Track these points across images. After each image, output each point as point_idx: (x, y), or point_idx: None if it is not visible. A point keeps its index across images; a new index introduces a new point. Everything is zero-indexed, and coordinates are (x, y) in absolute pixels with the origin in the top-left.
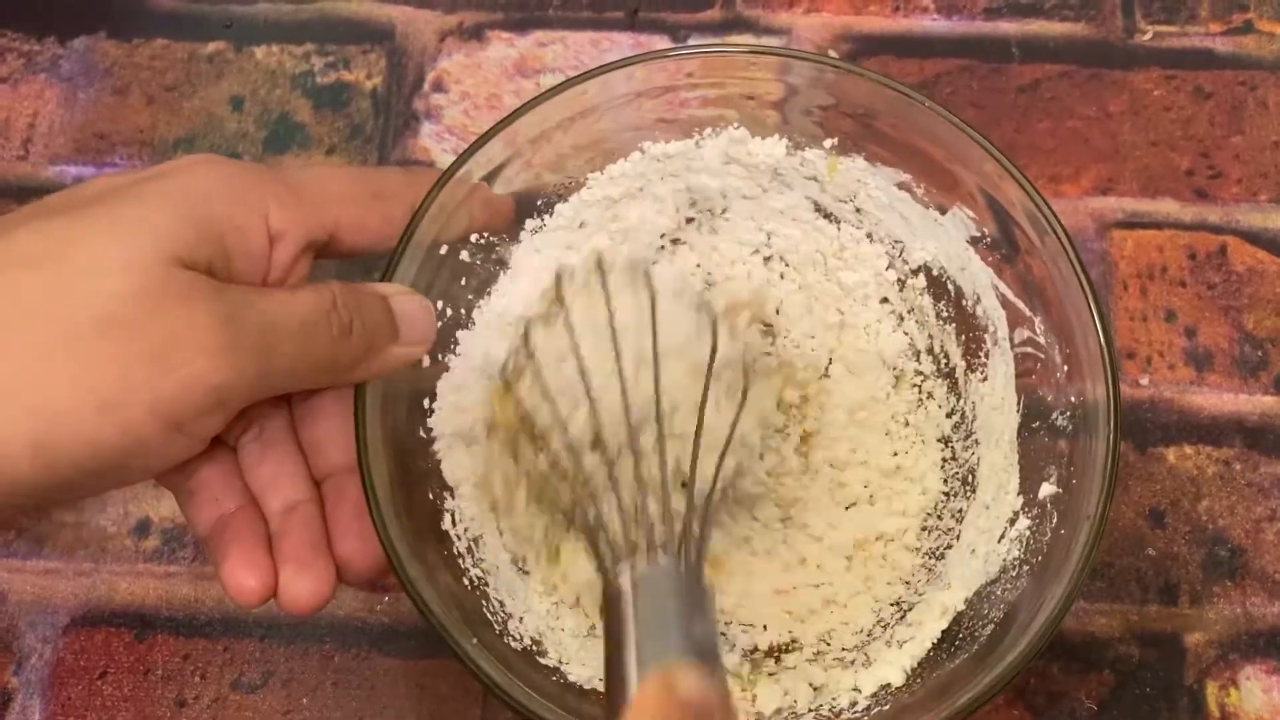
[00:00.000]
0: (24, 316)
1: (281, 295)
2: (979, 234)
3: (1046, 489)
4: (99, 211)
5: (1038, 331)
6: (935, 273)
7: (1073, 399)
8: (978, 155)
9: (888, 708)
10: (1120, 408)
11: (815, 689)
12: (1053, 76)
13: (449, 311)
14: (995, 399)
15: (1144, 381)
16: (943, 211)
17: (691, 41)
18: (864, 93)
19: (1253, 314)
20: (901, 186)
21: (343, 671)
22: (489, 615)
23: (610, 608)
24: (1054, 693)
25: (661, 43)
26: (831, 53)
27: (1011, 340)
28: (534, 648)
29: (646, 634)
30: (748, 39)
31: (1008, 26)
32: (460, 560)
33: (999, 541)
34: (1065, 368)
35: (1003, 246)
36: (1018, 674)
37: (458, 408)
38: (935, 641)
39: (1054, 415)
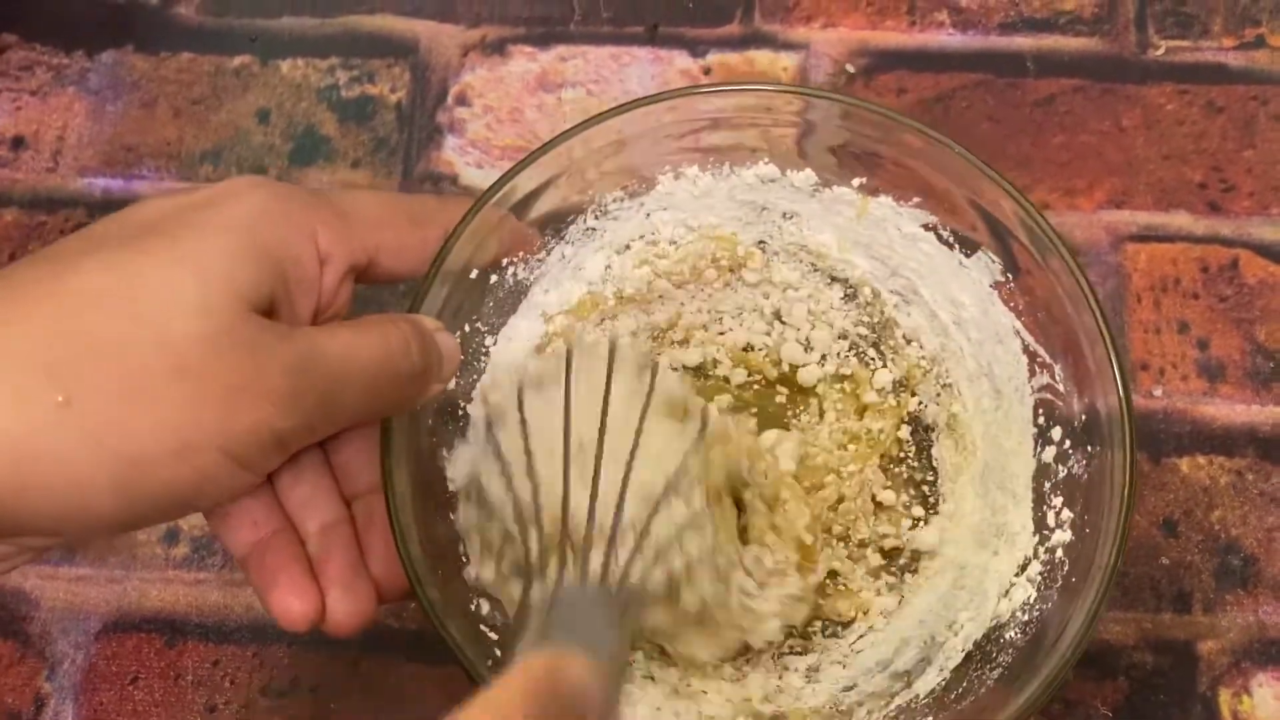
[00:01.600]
0: (101, 357)
1: (347, 338)
2: (1003, 278)
3: (1064, 517)
4: (162, 245)
5: (1057, 379)
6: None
7: (1085, 425)
8: (975, 177)
9: None
10: (1135, 435)
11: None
12: (1067, 91)
13: (481, 330)
14: (1012, 444)
15: (1157, 392)
16: (968, 255)
17: (711, 56)
18: (870, 125)
19: (1265, 326)
20: (927, 227)
21: (370, 678)
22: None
23: (519, 611)
24: (1070, 700)
25: (681, 58)
26: (849, 67)
27: (1031, 386)
28: None
29: (548, 625)
30: (766, 54)
31: (1023, 41)
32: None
33: (1016, 577)
34: (1082, 415)
35: (1008, 268)
36: (1044, 698)
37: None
38: (956, 668)
39: (1070, 448)
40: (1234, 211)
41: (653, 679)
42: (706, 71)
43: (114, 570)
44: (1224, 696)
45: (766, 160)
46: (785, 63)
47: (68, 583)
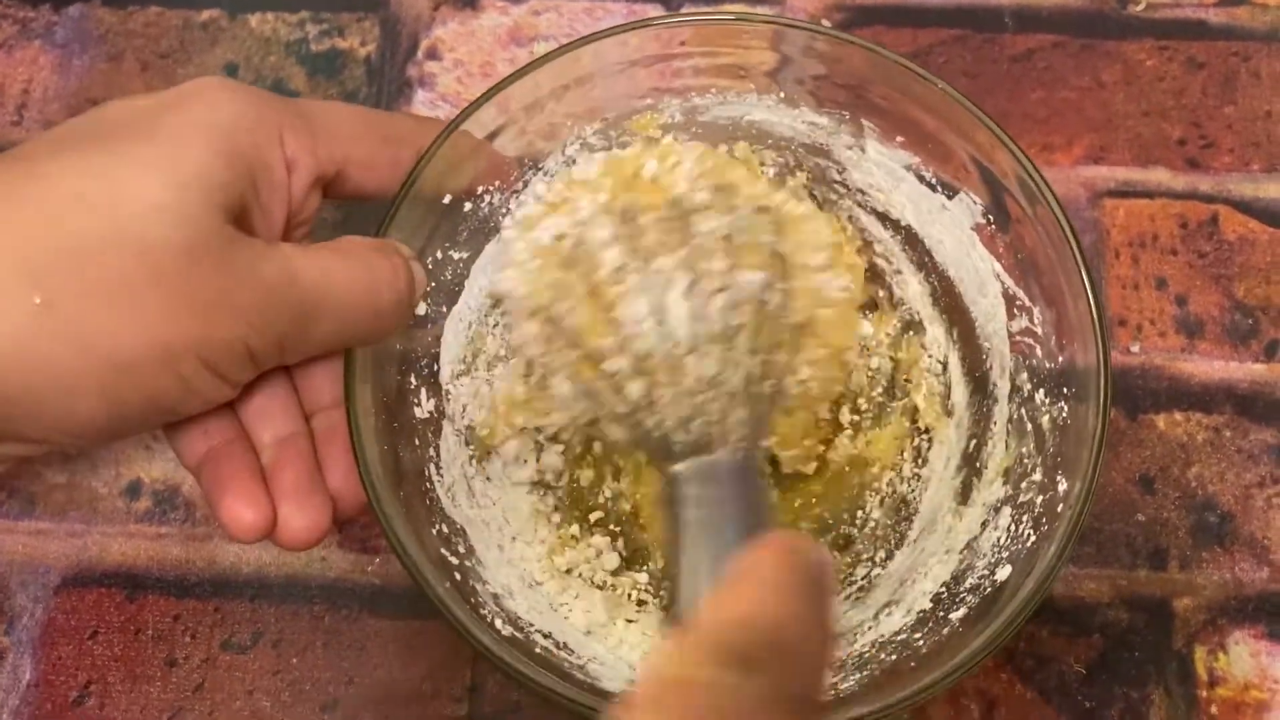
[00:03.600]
0: (79, 260)
1: (327, 263)
2: (984, 220)
3: (1036, 463)
4: (135, 147)
5: (1036, 322)
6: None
7: (1063, 372)
8: (969, 123)
9: (877, 672)
10: (1111, 382)
11: None
12: (1046, 46)
13: (454, 258)
14: (989, 390)
15: (1135, 349)
16: (950, 197)
17: (686, 9)
18: (856, 61)
19: (1243, 282)
20: (909, 169)
21: (333, 632)
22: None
23: (667, 509)
24: (1043, 656)
25: (655, 11)
26: (825, 22)
27: (1009, 330)
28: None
29: (706, 543)
30: (740, 7)
31: None
32: (442, 509)
33: (986, 517)
34: (1059, 357)
35: (996, 217)
36: (1003, 641)
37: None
38: (922, 609)
39: (1045, 395)
40: (1213, 168)
41: (635, 624)
42: None
43: (74, 524)
44: (1199, 654)
45: (747, 96)
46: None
47: (27, 536)
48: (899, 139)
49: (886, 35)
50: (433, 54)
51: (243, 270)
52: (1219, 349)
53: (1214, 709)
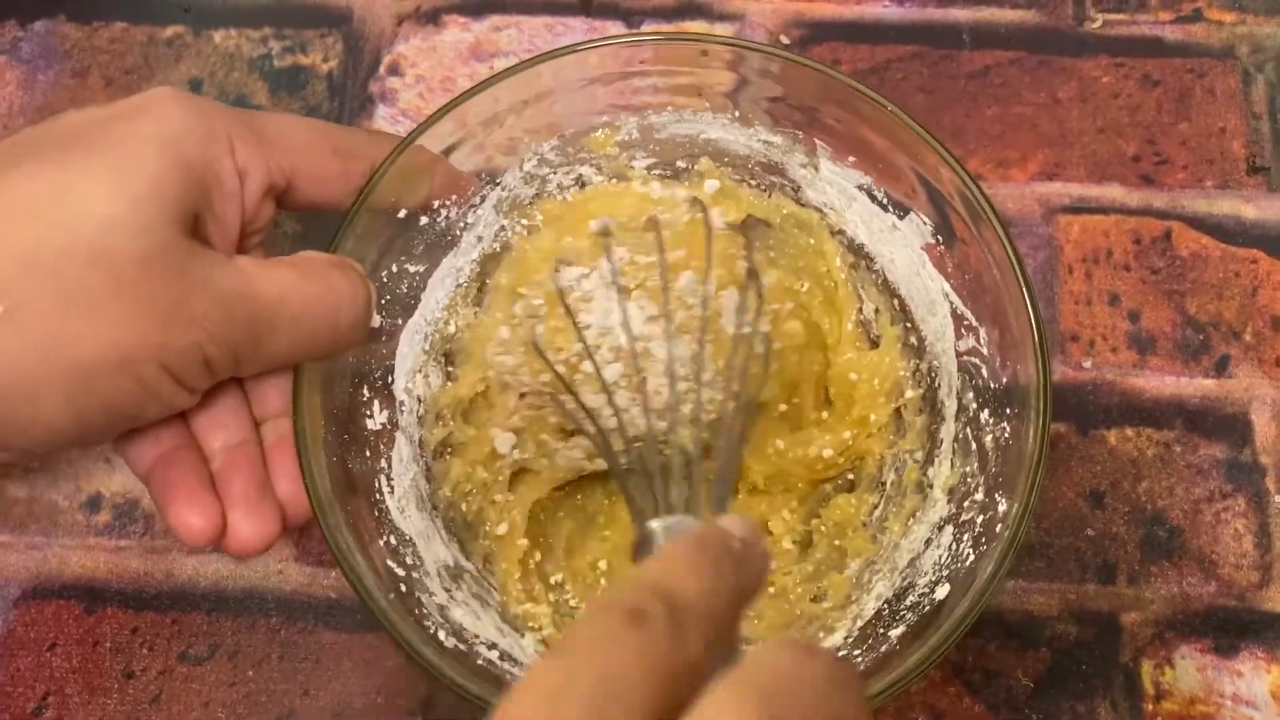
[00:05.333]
0: (38, 269)
1: (286, 280)
2: (934, 240)
3: (979, 482)
4: (89, 158)
5: (982, 341)
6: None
7: (1006, 392)
8: (916, 143)
9: None
10: (1050, 405)
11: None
12: (1003, 63)
13: (410, 271)
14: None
15: (1087, 364)
16: (901, 217)
17: (646, 27)
18: (810, 83)
19: (1195, 299)
20: (861, 189)
21: (289, 644)
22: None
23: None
24: (991, 670)
25: (616, 28)
26: (784, 38)
27: (957, 349)
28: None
29: None
30: (700, 25)
31: (959, 13)
32: (391, 520)
33: (930, 535)
34: (1003, 378)
35: (943, 236)
36: (937, 660)
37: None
38: (863, 625)
39: (990, 414)
40: (1167, 184)
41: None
42: None
43: (34, 537)
44: (1146, 668)
45: (702, 115)
46: (720, 33)
47: None
48: (851, 159)
49: (845, 51)
50: (395, 70)
51: (198, 280)
52: (1170, 364)
53: None
